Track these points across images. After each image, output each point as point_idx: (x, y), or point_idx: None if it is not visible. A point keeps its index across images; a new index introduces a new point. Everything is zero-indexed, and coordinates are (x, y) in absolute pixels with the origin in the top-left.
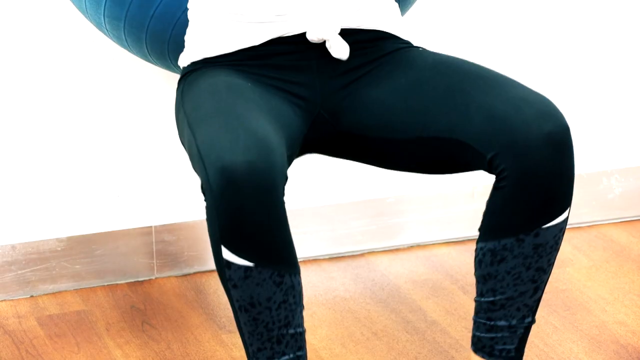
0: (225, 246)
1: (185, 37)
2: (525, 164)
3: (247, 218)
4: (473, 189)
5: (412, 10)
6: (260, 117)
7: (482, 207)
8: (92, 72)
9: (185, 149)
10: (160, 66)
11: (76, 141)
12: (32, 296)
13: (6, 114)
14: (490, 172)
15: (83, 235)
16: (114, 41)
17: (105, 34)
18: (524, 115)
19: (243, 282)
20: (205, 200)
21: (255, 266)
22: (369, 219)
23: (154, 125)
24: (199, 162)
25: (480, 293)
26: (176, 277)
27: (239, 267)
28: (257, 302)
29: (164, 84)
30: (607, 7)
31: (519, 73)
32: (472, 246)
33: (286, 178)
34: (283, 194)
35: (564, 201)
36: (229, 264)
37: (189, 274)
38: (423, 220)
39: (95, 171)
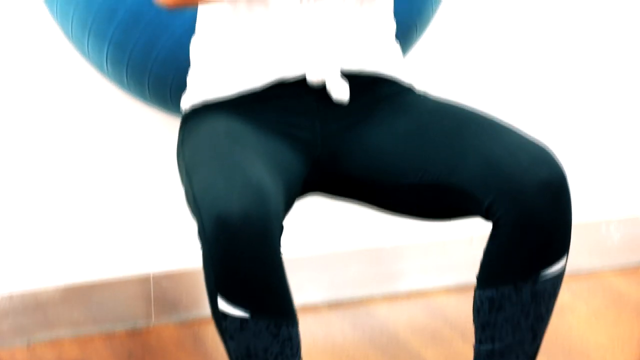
0: (220, 296)
1: (187, 79)
2: (522, 211)
3: (242, 267)
4: (471, 235)
5: (414, 50)
6: (258, 163)
7: (481, 254)
8: (89, 118)
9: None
10: (159, 108)
11: (73, 188)
12: (29, 345)
13: (3, 162)
14: (487, 219)
15: (80, 283)
16: (114, 83)
17: (106, 75)
18: (520, 162)
19: (239, 333)
20: (201, 248)
21: (252, 317)
22: (367, 266)
23: (152, 172)
24: (195, 209)
25: (479, 340)
26: (174, 324)
27: (235, 318)
28: (254, 354)
29: (162, 129)
30: (604, 55)
31: (517, 120)
32: (472, 293)
33: (282, 227)
34: (279, 244)
35: (562, 248)
36: (225, 315)
37: (187, 321)
38: (422, 267)
39: (92, 218)
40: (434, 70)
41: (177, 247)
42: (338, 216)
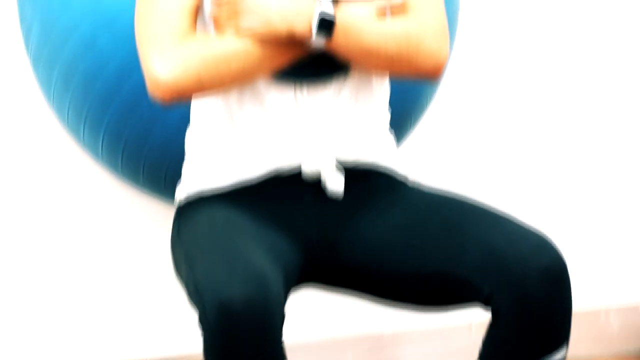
0: None
1: (182, 170)
2: (522, 299)
3: (244, 353)
4: (471, 322)
5: (409, 140)
6: (258, 251)
7: (480, 341)
8: (84, 209)
9: (181, 283)
10: (153, 195)
11: (69, 277)
12: None
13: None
14: (487, 307)
15: None
16: (109, 169)
17: (100, 162)
18: (520, 250)
19: None
20: (202, 334)
21: None
22: (366, 353)
23: (147, 261)
24: (196, 296)
25: None
26: None
27: None
28: None
29: (158, 218)
30: (597, 148)
31: (514, 209)
32: None
33: (284, 314)
34: (281, 331)
35: (562, 337)
36: None
37: None
38: (421, 354)
39: (87, 306)
40: (428, 159)
41: (173, 335)
42: (336, 302)
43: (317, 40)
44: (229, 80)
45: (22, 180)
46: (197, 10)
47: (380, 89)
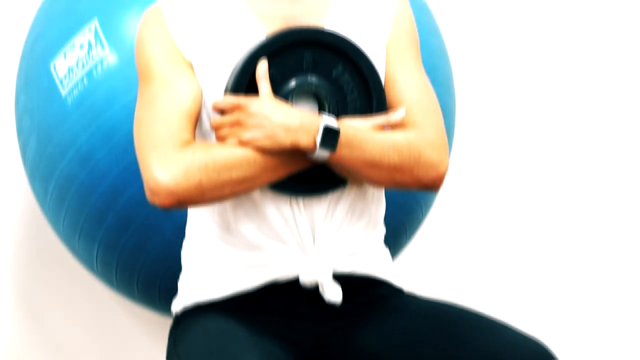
0: None
1: (179, 283)
2: None
3: None
4: None
5: (403, 254)
6: (254, 356)
7: None
8: (80, 320)
9: None
10: (147, 308)
11: None
12: None
13: None
14: None
15: None
16: (104, 282)
17: (95, 274)
18: (520, 356)
19: None
20: None
21: None
22: None
23: None
24: None
25: None
26: None
27: None
28: None
29: (154, 331)
30: (595, 255)
31: (511, 315)
32: None
33: None
34: None
35: None
36: None
37: None
38: None
39: None
40: (424, 272)
41: None
42: None
43: (321, 153)
44: (230, 188)
45: (15, 287)
46: (197, 117)
47: (377, 205)
